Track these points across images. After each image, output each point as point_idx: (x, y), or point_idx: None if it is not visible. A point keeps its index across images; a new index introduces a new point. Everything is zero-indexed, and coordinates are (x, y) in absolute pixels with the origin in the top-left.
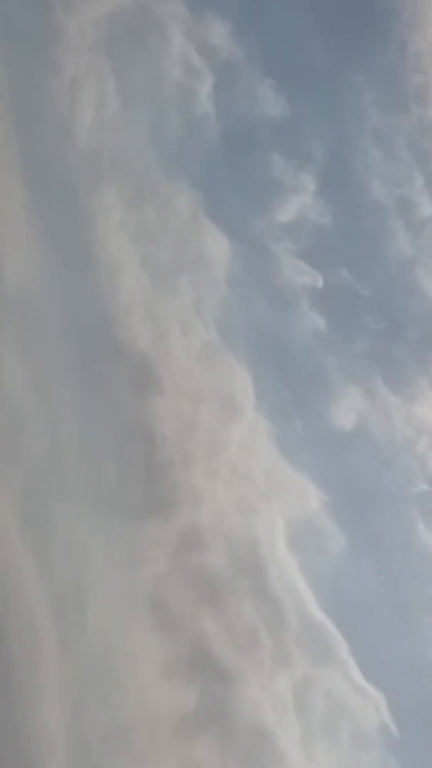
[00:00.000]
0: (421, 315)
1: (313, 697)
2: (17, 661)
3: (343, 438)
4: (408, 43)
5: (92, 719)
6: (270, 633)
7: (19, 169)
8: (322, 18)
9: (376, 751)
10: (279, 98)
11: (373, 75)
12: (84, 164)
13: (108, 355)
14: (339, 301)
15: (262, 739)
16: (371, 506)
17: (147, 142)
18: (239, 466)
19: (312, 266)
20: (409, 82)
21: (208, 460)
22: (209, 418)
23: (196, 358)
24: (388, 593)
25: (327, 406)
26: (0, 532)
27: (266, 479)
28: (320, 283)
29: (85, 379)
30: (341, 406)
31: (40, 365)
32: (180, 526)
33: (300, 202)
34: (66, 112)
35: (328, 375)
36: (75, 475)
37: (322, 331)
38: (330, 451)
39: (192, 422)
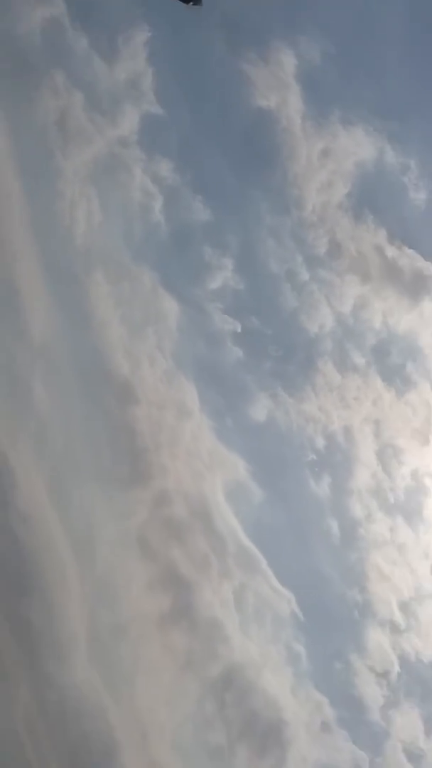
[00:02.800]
0: (305, 345)
1: (246, 597)
2: (50, 583)
3: (258, 427)
4: (288, 169)
5: (102, 619)
6: (216, 556)
7: (39, 259)
8: (233, 155)
9: (290, 630)
10: (206, 209)
11: (266, 190)
12: (81, 256)
13: (102, 379)
14: (251, 339)
15: (214, 626)
16: (278, 471)
17: (121, 240)
18: (191, 449)
19: (233, 317)
20: (290, 194)
21: (170, 446)
22: (170, 418)
23: (160, 379)
24: (291, 527)
25: (247, 407)
26: (35, 500)
27: (209, 457)
28: (239, 328)
29: (88, 396)
30: (256, 407)
31: (58, 387)
32: (154, 490)
33: (223, 276)
34: (68, 223)
35: (246, 387)
36: (83, 460)
37: (242, 358)
38: (251, 436)
39: (159, 421)
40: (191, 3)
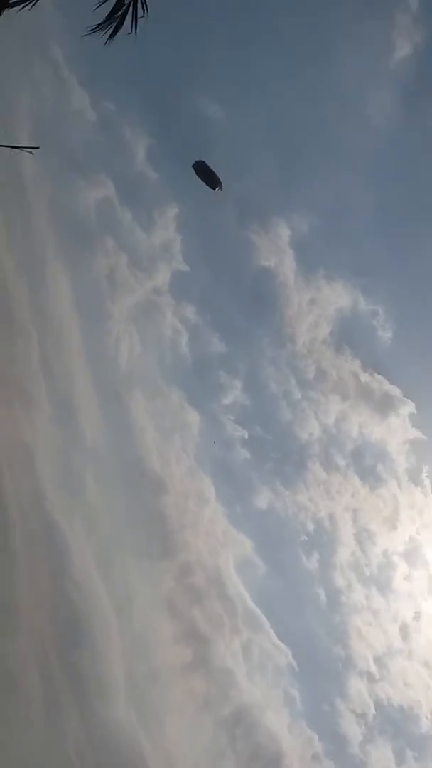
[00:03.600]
0: (298, 449)
1: (252, 650)
2: (96, 637)
3: (261, 513)
4: (284, 313)
5: (138, 667)
6: (228, 617)
7: (91, 380)
8: (242, 302)
9: (287, 678)
10: (221, 342)
11: (267, 329)
12: (124, 378)
13: (139, 474)
14: (256, 444)
15: (226, 674)
16: (277, 548)
17: (156, 366)
18: (209, 530)
19: (242, 426)
20: (285, 332)
21: (192, 527)
22: (192, 505)
23: (185, 474)
24: (288, 594)
25: (252, 497)
26: (86, 570)
27: (223, 536)
28: (246, 435)
29: (129, 487)
30: (260, 497)
31: (105, 481)
32: (179, 563)
33: (234, 394)
34: (114, 353)
35: (252, 481)
36: (124, 538)
37: (248, 459)
38: (256, 520)
39: (183, 508)
40: (216, 188)
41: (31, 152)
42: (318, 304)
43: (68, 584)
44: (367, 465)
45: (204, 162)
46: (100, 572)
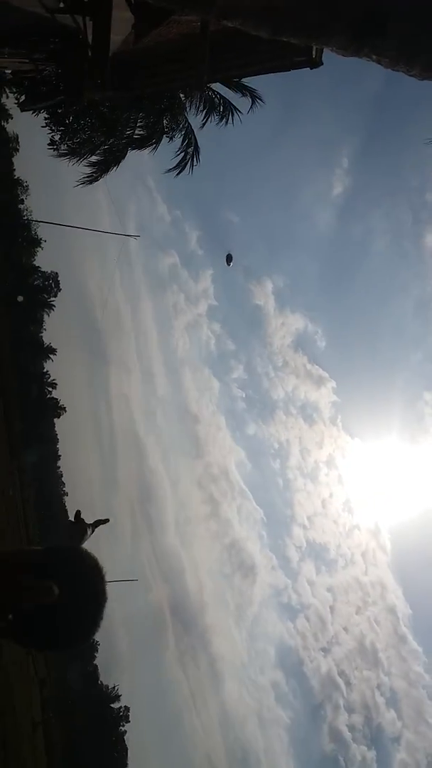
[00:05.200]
0: (270, 405)
1: (241, 509)
2: (161, 497)
3: (250, 436)
4: (267, 329)
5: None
6: (229, 490)
7: None
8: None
9: (260, 526)
10: (232, 344)
11: (256, 338)
12: (180, 362)
13: (185, 412)
14: (249, 399)
15: (227, 522)
16: (258, 455)
17: (196, 356)
18: (221, 443)
19: (241, 389)
20: (266, 339)
21: (213, 442)
22: (212, 430)
23: (209, 414)
24: (261, 476)
25: (245, 427)
26: (156, 465)
27: (228, 448)
28: (244, 395)
29: (179, 420)
30: (249, 427)
31: (168, 417)
32: (205, 460)
33: (238, 372)
34: (174, 348)
35: (245, 420)
36: (177, 446)
37: (244, 409)
38: (246, 440)
39: (207, 431)
40: (230, 264)
41: (135, 238)
42: (285, 325)
43: (146, 470)
44: (308, 413)
45: (230, 254)
46: (162, 464)
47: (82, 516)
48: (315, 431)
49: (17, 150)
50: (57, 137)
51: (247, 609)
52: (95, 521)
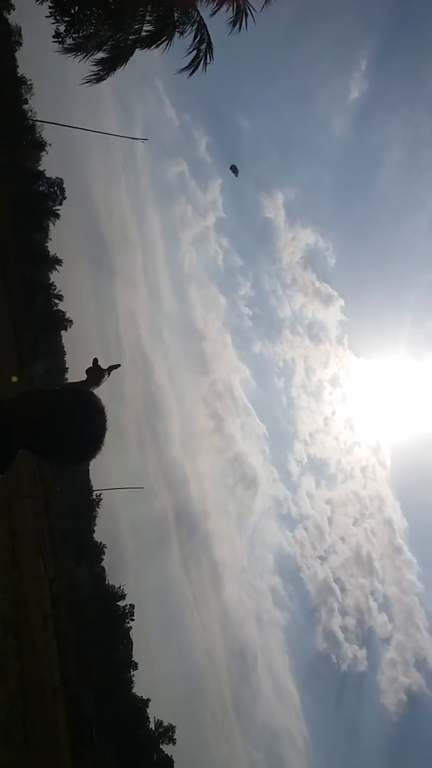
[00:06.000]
0: (276, 323)
1: (245, 425)
2: (166, 411)
3: (255, 355)
4: (276, 244)
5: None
6: (233, 407)
7: None
8: (252, 236)
9: (263, 441)
10: (240, 259)
11: (264, 254)
12: (186, 277)
13: (191, 330)
14: (255, 317)
15: (231, 438)
16: (263, 373)
17: (203, 271)
18: (227, 361)
19: (248, 307)
20: (275, 255)
21: (218, 359)
22: (218, 347)
23: (215, 332)
24: (266, 396)
25: (250, 346)
26: (162, 381)
27: (233, 365)
28: (250, 312)
29: (185, 336)
30: (255, 346)
31: (173, 334)
32: (210, 378)
33: (245, 289)
34: (180, 263)
35: (251, 338)
36: (183, 363)
37: (250, 327)
38: (251, 358)
39: (213, 349)
40: (238, 175)
41: (143, 142)
42: (296, 240)
43: (152, 385)
44: (314, 332)
45: (234, 165)
46: (168, 380)
47: (99, 363)
48: (321, 350)
49: (20, 44)
50: (62, 29)
51: (248, 518)
52: (109, 366)
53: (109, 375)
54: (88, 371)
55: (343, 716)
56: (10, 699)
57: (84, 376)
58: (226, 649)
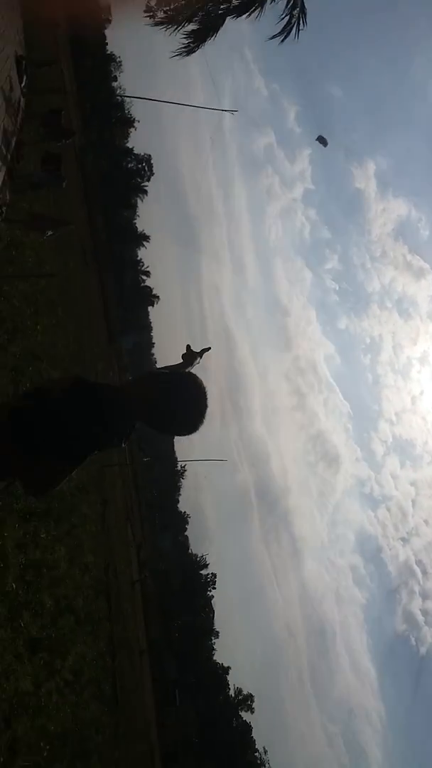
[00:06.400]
0: (364, 297)
1: (327, 402)
2: (248, 385)
3: (340, 330)
4: (366, 215)
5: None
6: (316, 383)
7: None
8: (341, 207)
9: (346, 415)
10: (328, 232)
11: (354, 226)
12: (271, 251)
13: (275, 305)
14: (342, 291)
15: (314, 414)
16: (348, 350)
17: (289, 244)
18: (311, 337)
19: (334, 281)
20: (365, 227)
21: (302, 335)
22: (302, 323)
23: (299, 307)
24: (351, 375)
25: (336, 321)
26: (244, 356)
27: (317, 341)
28: (337, 287)
29: (268, 312)
30: (340, 321)
31: (257, 308)
32: (293, 354)
33: (332, 263)
34: (266, 237)
35: (336, 313)
36: (266, 339)
37: (336, 301)
38: (336, 334)
39: (297, 324)
40: (325, 146)
41: (232, 113)
42: (386, 212)
43: (235, 360)
44: (404, 307)
45: (321, 136)
46: (251, 356)
47: (191, 348)
48: (410, 326)
49: (109, 21)
50: (153, 2)
51: (329, 496)
52: (201, 350)
53: (201, 358)
54: (183, 356)
55: (422, 699)
56: (101, 657)
57: (180, 360)
58: (305, 623)
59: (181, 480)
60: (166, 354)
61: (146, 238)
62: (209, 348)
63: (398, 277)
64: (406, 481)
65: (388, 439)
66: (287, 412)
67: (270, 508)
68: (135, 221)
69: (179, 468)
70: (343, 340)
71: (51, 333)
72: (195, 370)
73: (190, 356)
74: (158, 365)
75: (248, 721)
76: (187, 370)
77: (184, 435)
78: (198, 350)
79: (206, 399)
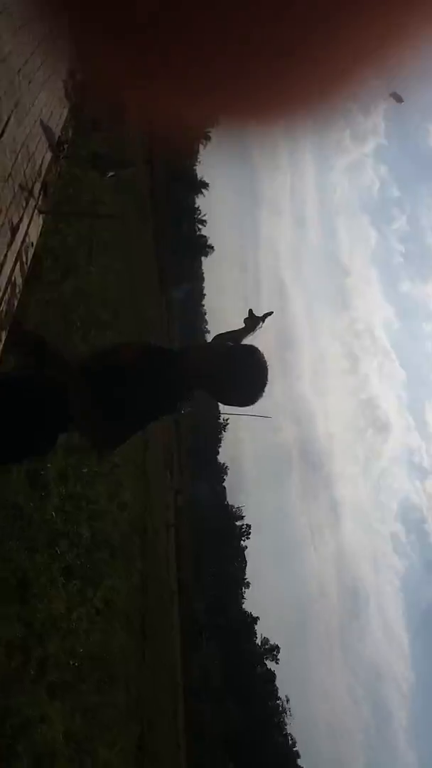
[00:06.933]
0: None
1: (381, 368)
2: (301, 336)
3: (402, 294)
4: None
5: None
6: (372, 347)
7: None
8: (414, 166)
9: (399, 382)
10: (398, 191)
11: (427, 186)
12: (336, 208)
13: (335, 264)
14: (408, 254)
15: (366, 377)
16: (408, 314)
17: (355, 201)
18: (368, 297)
19: (400, 242)
20: None
21: (362, 296)
22: (362, 283)
23: (360, 266)
24: (408, 336)
25: (398, 283)
26: (298, 309)
27: (374, 304)
28: (403, 249)
29: (328, 271)
30: (403, 284)
31: (315, 264)
32: (349, 315)
33: (400, 223)
34: (331, 192)
35: (399, 275)
36: (322, 295)
37: (401, 263)
38: (397, 297)
39: (357, 284)
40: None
41: None
42: None
43: (288, 317)
44: None
45: (395, 92)
46: (305, 313)
47: (254, 312)
48: None
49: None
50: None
51: (375, 462)
52: (264, 314)
53: (263, 322)
54: (245, 321)
55: None
56: (132, 592)
57: (242, 325)
58: (339, 584)
59: (223, 432)
60: (217, 307)
61: (205, 185)
62: (272, 312)
63: None
64: None
65: None
66: (339, 374)
67: (312, 468)
68: (195, 167)
69: (222, 420)
70: (404, 304)
71: (103, 275)
72: (256, 334)
73: (253, 321)
74: (218, 331)
75: (272, 670)
76: (250, 343)
77: (242, 407)
78: (260, 315)
79: (267, 375)
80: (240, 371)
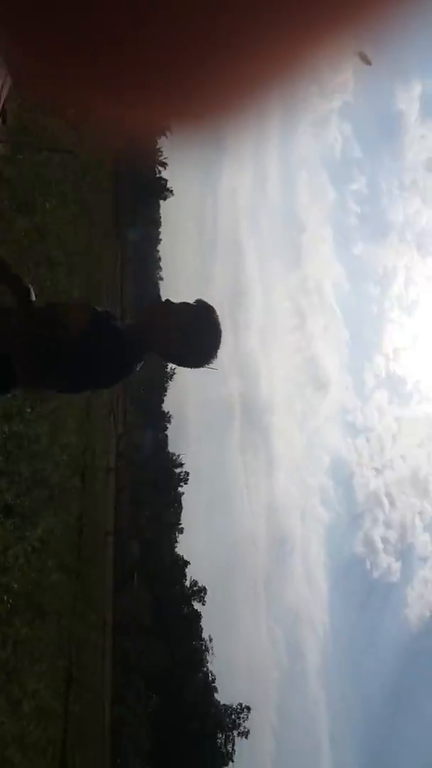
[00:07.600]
0: (384, 225)
1: (327, 331)
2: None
3: (354, 256)
4: (404, 139)
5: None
6: (319, 308)
7: None
8: (378, 127)
9: (343, 342)
10: (359, 151)
11: (388, 149)
12: (303, 162)
13: (291, 216)
14: (363, 215)
15: (315, 357)
16: (357, 278)
17: (317, 158)
18: (321, 257)
19: (357, 204)
20: (399, 152)
21: (315, 252)
22: (317, 240)
23: (316, 223)
24: (360, 301)
25: (351, 245)
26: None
27: (327, 264)
28: (359, 210)
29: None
30: (356, 247)
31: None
32: (302, 273)
33: (359, 184)
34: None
35: (353, 237)
36: (280, 252)
37: (355, 225)
38: (349, 258)
39: (311, 242)
40: (368, 63)
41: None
42: (425, 139)
43: (240, 271)
44: (424, 242)
45: (362, 52)
46: (258, 268)
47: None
48: (427, 264)
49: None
50: None
51: (312, 419)
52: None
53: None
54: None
55: (366, 618)
56: (69, 532)
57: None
58: (268, 533)
59: (169, 381)
60: (172, 253)
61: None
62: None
63: (424, 211)
64: (391, 417)
65: (381, 373)
66: (286, 331)
67: (252, 422)
68: None
69: (168, 370)
70: (354, 266)
71: (59, 213)
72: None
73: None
74: (171, 278)
75: (198, 611)
76: (203, 303)
77: (194, 368)
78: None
79: (221, 336)
80: (196, 334)
